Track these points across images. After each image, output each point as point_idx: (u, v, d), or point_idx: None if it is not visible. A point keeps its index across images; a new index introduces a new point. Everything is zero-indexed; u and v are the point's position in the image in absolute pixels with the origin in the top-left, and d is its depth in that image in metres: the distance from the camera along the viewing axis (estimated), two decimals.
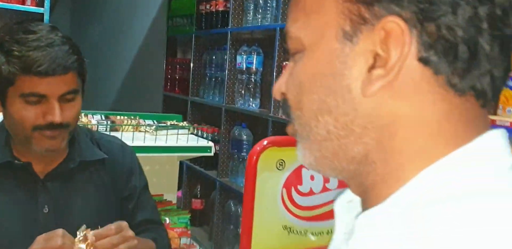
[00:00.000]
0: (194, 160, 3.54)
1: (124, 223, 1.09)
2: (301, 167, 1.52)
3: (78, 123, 1.27)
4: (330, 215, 1.65)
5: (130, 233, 1.09)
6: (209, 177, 3.38)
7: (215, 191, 3.30)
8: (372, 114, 0.46)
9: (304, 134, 0.52)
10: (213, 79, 3.51)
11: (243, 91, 3.11)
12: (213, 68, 3.50)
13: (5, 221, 1.17)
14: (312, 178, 1.56)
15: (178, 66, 4.01)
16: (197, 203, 3.59)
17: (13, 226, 1.17)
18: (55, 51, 1.08)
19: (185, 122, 2.35)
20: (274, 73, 2.69)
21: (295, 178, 1.52)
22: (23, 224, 1.18)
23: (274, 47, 2.75)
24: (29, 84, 1.08)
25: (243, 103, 3.10)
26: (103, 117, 2.23)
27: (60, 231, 1.03)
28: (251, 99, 3.07)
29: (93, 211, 1.25)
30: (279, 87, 0.54)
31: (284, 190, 1.51)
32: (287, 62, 2.63)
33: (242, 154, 3.09)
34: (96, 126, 2.07)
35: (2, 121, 1.21)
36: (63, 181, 1.22)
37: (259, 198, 1.44)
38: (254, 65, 3.03)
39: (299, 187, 1.54)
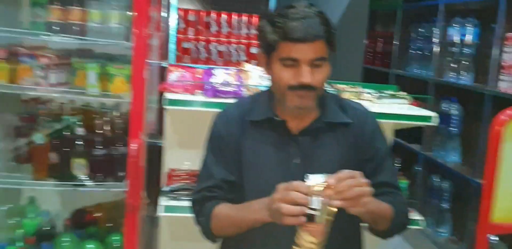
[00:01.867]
0: (396, 133, 3.59)
1: (357, 172, 1.17)
2: None
3: None
4: None
5: (364, 180, 1.16)
6: (411, 150, 3.42)
7: (417, 164, 3.35)
8: None
9: None
10: (419, 52, 3.49)
11: (454, 65, 3.06)
12: (419, 41, 3.48)
13: (264, 166, 1.40)
14: None
15: (379, 39, 4.06)
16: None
17: (270, 172, 1.39)
18: (308, 22, 1.27)
19: (404, 92, 2.43)
20: (495, 46, 2.59)
21: None
22: (277, 171, 1.39)
23: (494, 18, 2.65)
24: (286, 50, 1.28)
25: (453, 77, 3.05)
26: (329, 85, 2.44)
27: (298, 184, 1.15)
28: (463, 72, 3.00)
29: (336, 166, 1.35)
30: None
31: None
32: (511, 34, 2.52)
33: (450, 128, 3.06)
34: None
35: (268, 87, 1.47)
36: (312, 137, 1.40)
37: (503, 168, 1.47)
38: (468, 37, 2.95)
39: None
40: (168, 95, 1.97)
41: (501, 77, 2.56)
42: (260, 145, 1.41)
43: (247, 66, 2.26)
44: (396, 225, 1.40)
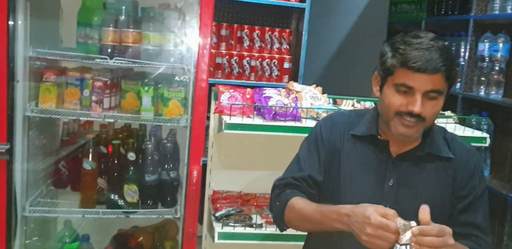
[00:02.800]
0: None
1: (448, 229, 1.14)
2: None
3: None
4: None
5: (451, 241, 1.14)
6: None
7: None
8: None
9: None
10: None
11: (483, 79, 3.07)
12: None
13: (359, 182, 1.41)
14: None
15: None
16: None
17: (363, 189, 1.40)
18: (431, 54, 1.26)
19: (448, 111, 2.42)
20: None
21: None
22: (370, 189, 1.40)
23: None
24: (403, 76, 1.28)
25: (483, 92, 3.05)
26: (374, 104, 2.41)
27: (391, 225, 1.13)
28: (493, 88, 3.01)
29: (428, 196, 1.39)
30: None
31: None
32: None
33: None
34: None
35: (375, 106, 1.48)
36: (410, 164, 1.40)
37: None
38: (499, 53, 2.95)
39: None
40: (227, 119, 1.92)
41: None
42: (358, 160, 1.43)
43: (296, 86, 2.22)
44: None
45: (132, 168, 2.02)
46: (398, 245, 1.14)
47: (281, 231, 1.51)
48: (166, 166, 2.11)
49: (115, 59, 1.86)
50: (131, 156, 2.02)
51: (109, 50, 1.89)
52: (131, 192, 2.02)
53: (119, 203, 2.03)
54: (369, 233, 1.15)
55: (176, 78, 2.06)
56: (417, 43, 1.28)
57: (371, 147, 1.43)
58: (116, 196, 2.03)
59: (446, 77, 1.29)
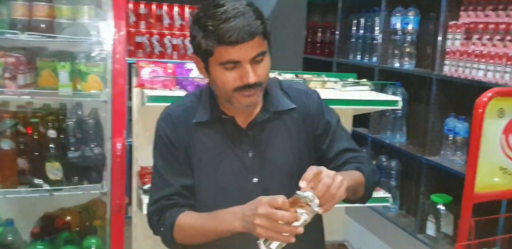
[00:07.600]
0: None
1: (322, 167, 1.14)
2: None
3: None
4: None
5: (331, 172, 1.14)
6: (358, 133, 3.60)
7: (366, 146, 3.53)
8: None
9: None
10: (360, 41, 3.66)
11: (397, 52, 3.25)
12: (361, 30, 3.65)
13: (219, 164, 1.35)
14: None
15: (318, 29, 4.20)
16: None
17: (226, 168, 1.36)
18: (241, 20, 1.19)
19: (364, 79, 2.55)
20: (440, 34, 2.78)
21: None
22: (233, 167, 1.36)
23: (433, 7, 2.86)
24: (224, 53, 1.21)
25: (397, 63, 3.24)
26: (295, 76, 2.52)
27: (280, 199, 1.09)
28: (406, 59, 3.20)
29: (290, 151, 1.40)
30: None
31: (503, 136, 1.68)
32: (454, 22, 2.72)
33: (397, 112, 3.25)
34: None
35: (208, 83, 1.38)
36: (261, 128, 1.38)
37: (483, 142, 1.63)
38: (410, 25, 3.14)
39: None
40: (148, 92, 1.92)
41: (446, 62, 2.77)
42: (212, 144, 1.37)
43: None
44: (370, 187, 1.42)
45: (53, 146, 1.98)
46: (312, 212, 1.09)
47: None
48: (89, 143, 2.09)
49: (27, 34, 1.81)
50: (52, 133, 1.98)
51: (20, 25, 1.83)
52: (53, 169, 1.98)
53: (42, 182, 1.99)
54: (259, 224, 1.11)
55: (94, 53, 2.03)
56: (222, 13, 1.19)
57: (219, 128, 1.38)
58: (39, 175, 1.99)
59: (263, 36, 1.25)
